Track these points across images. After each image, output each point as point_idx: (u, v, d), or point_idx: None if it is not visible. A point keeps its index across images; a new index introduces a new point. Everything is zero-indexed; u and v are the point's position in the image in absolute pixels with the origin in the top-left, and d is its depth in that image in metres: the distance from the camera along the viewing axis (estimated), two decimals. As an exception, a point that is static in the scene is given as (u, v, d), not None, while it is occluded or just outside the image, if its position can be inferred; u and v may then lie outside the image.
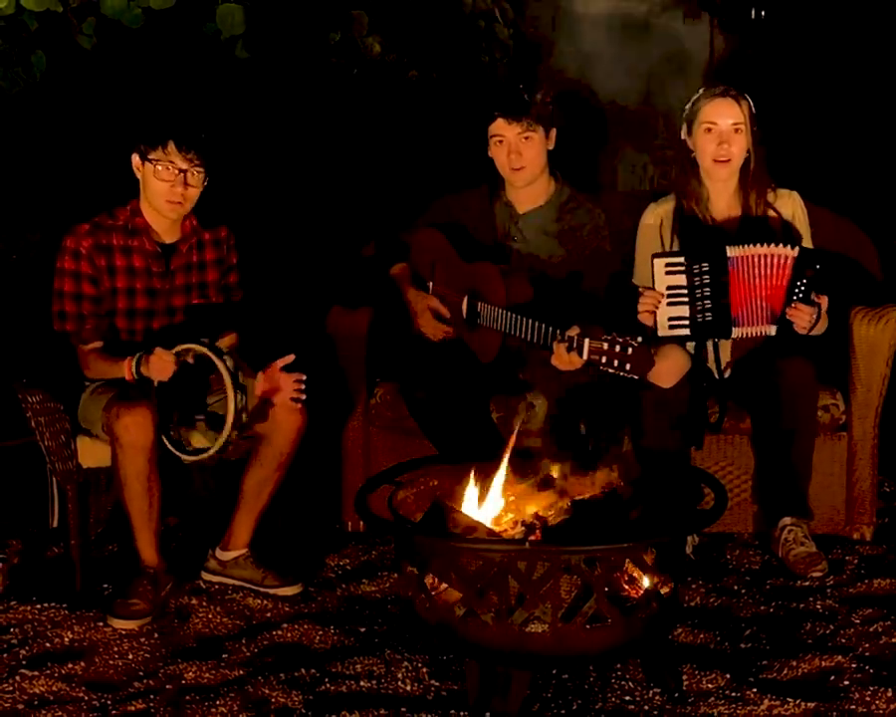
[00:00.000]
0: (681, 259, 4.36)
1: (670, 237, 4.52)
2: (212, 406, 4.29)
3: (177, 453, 4.15)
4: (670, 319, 4.35)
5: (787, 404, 4.32)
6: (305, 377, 4.19)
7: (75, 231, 4.25)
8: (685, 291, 4.34)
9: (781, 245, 4.31)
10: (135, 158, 4.26)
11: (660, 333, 4.34)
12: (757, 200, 4.49)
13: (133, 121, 4.37)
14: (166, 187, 4.21)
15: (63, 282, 4.23)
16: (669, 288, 4.34)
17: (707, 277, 4.33)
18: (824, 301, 4.32)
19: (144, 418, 4.02)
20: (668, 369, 4.31)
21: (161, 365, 4.06)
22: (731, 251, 4.32)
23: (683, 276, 4.35)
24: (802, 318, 4.27)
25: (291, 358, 4.18)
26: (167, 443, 4.13)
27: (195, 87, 5.57)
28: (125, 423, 4.01)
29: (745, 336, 4.38)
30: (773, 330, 4.33)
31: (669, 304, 4.34)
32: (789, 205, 4.54)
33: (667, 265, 4.36)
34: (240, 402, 4.04)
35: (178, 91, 5.51)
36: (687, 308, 4.35)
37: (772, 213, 4.50)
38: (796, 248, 4.31)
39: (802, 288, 4.28)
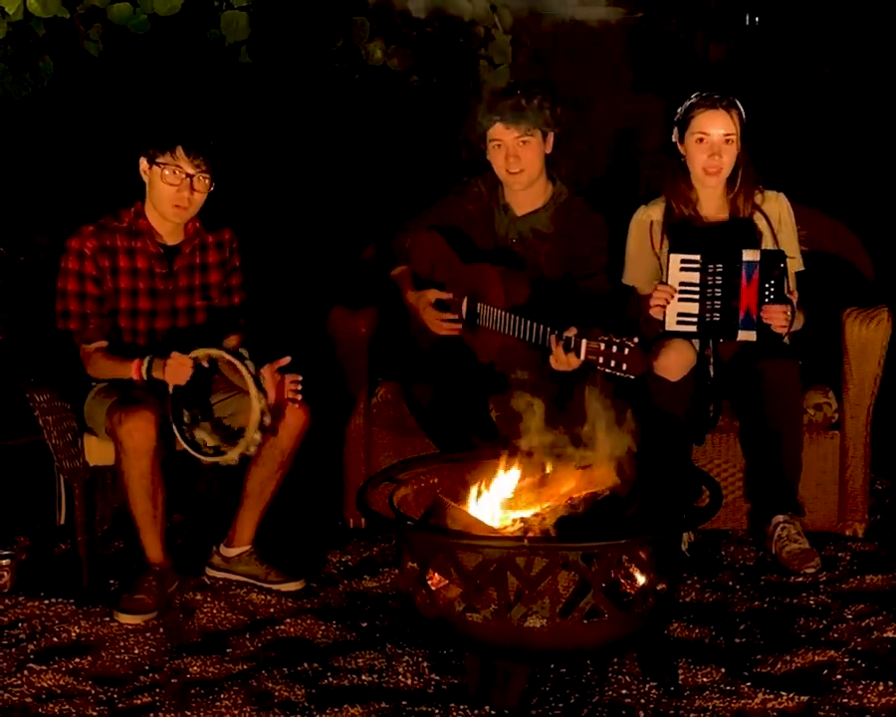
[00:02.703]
0: (697, 257, 4.40)
1: (661, 237, 4.57)
2: (215, 406, 4.33)
3: (197, 455, 4.17)
4: (679, 314, 4.39)
5: (772, 405, 4.36)
6: (301, 379, 4.22)
7: (79, 232, 4.28)
8: (697, 289, 4.38)
9: (746, 249, 4.37)
10: (143, 162, 4.29)
11: (667, 327, 4.39)
12: (745, 202, 4.54)
13: (142, 126, 4.41)
14: (172, 191, 4.25)
15: (67, 281, 4.27)
16: (682, 284, 4.39)
17: (720, 278, 4.37)
18: (795, 296, 4.37)
19: (147, 423, 4.05)
20: (676, 363, 4.36)
21: (179, 370, 4.10)
22: (747, 255, 4.37)
23: (697, 274, 4.39)
24: (777, 318, 4.31)
25: (287, 359, 4.20)
26: (186, 446, 4.15)
27: (200, 92, 5.59)
28: (128, 428, 4.04)
29: (741, 339, 4.43)
30: (752, 335, 4.37)
31: (680, 300, 4.38)
32: (776, 207, 4.59)
33: (682, 261, 4.40)
34: (263, 405, 4.07)
35: (183, 95, 5.53)
36: (697, 305, 4.38)
37: (758, 215, 4.56)
38: (757, 251, 4.37)
39: (772, 289, 4.33)
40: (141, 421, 4.04)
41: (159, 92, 5.53)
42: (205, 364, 4.17)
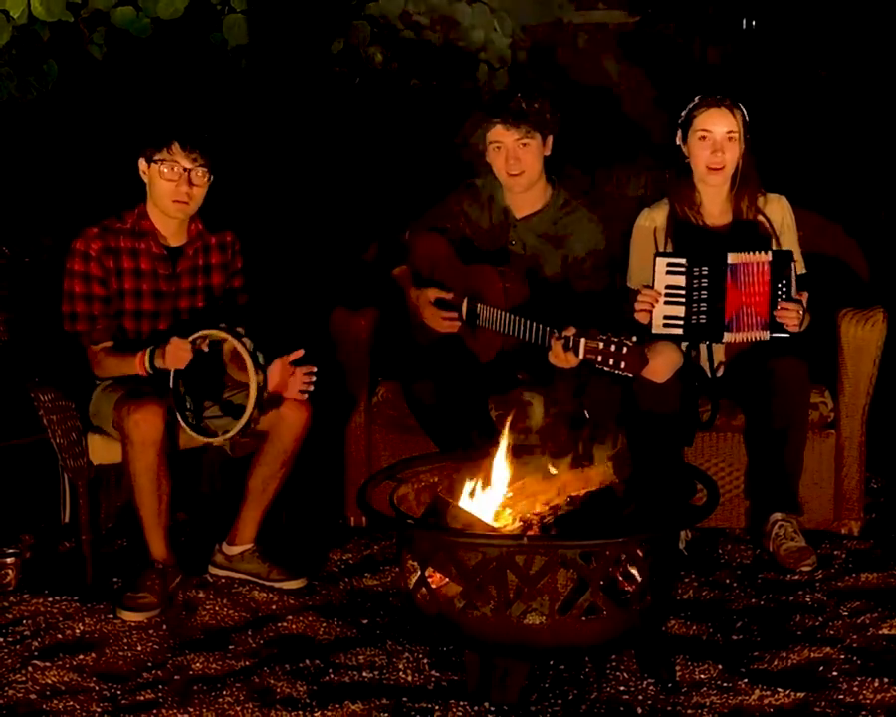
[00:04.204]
0: (683, 260, 4.43)
1: (664, 240, 4.60)
2: (227, 399, 4.35)
3: (199, 437, 4.19)
4: (665, 317, 4.42)
5: (781, 403, 4.39)
6: (315, 370, 4.25)
7: (84, 234, 4.31)
8: (683, 292, 4.41)
9: (755, 252, 4.40)
10: (142, 163, 4.33)
11: (654, 330, 4.41)
12: (748, 205, 4.57)
13: (140, 127, 4.45)
14: (171, 187, 4.28)
15: (73, 283, 4.29)
16: (668, 287, 4.42)
17: (705, 280, 4.40)
18: (805, 296, 4.39)
19: (154, 415, 4.08)
20: (662, 365, 4.37)
21: (178, 353, 4.11)
22: (731, 258, 4.40)
23: (682, 277, 4.42)
24: (791, 316, 4.35)
25: (300, 352, 4.23)
26: (189, 430, 4.17)
27: (202, 94, 5.62)
28: (136, 420, 4.07)
29: (736, 341, 4.45)
30: (766, 335, 4.40)
31: (666, 302, 4.42)
32: (778, 209, 4.61)
33: (668, 265, 4.43)
34: (261, 381, 4.07)
35: (185, 96, 5.56)
36: (683, 308, 4.42)
37: (761, 218, 4.58)
38: (769, 253, 4.40)
39: (784, 288, 4.36)
40: (149, 413, 4.07)
41: (162, 94, 5.56)
42: (205, 348, 4.18)
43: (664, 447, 4.41)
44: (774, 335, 4.40)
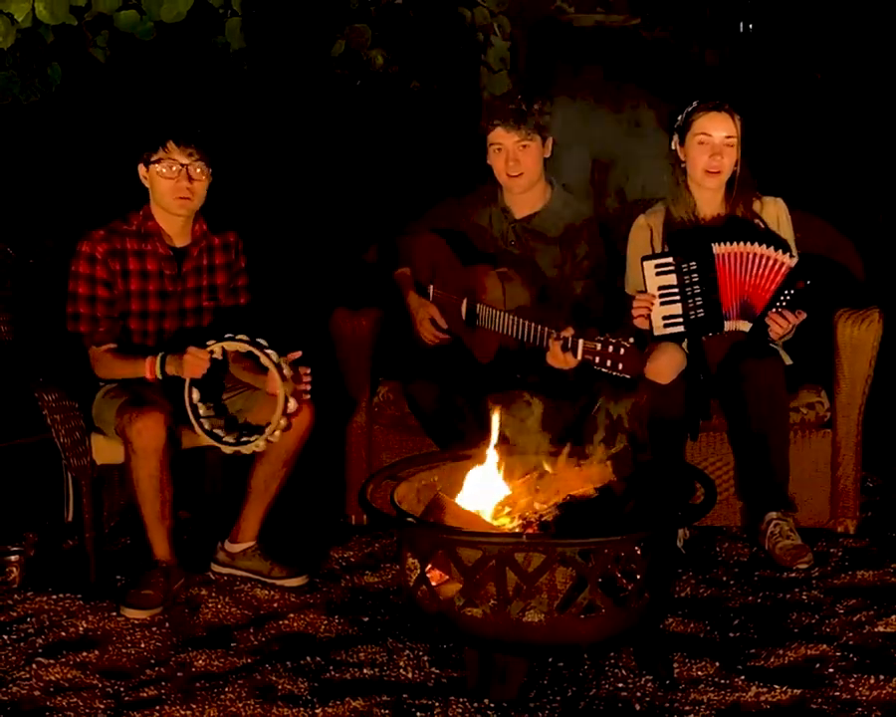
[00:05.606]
0: (670, 259, 4.45)
1: (661, 244, 4.61)
2: (225, 402, 4.38)
3: (219, 445, 4.20)
4: (664, 318, 4.44)
5: (756, 406, 4.40)
6: (310, 370, 4.26)
7: (90, 236, 4.33)
8: (676, 290, 4.43)
9: (779, 250, 4.39)
10: (141, 168, 4.36)
11: (656, 332, 4.43)
12: (743, 210, 4.58)
13: (139, 132, 4.48)
14: (171, 184, 4.30)
15: (77, 285, 4.31)
16: (661, 288, 4.43)
17: (696, 275, 4.42)
18: (802, 317, 4.37)
19: (156, 423, 4.10)
20: (666, 366, 4.39)
21: (196, 363, 4.13)
22: (716, 249, 4.41)
23: (673, 275, 4.44)
24: (781, 325, 4.34)
25: (299, 353, 4.24)
26: (207, 437, 4.18)
27: (205, 96, 5.64)
28: (138, 428, 4.09)
29: (736, 329, 4.47)
30: (746, 326, 4.42)
31: (662, 303, 4.44)
32: (774, 212, 4.62)
33: (657, 266, 4.45)
34: (288, 390, 4.09)
35: (187, 99, 5.58)
36: (679, 306, 4.44)
37: (757, 222, 4.59)
38: (795, 258, 4.40)
39: (789, 297, 4.36)
40: (151, 421, 4.09)
41: (165, 97, 5.58)
42: (219, 357, 4.21)
43: (668, 447, 4.43)
44: (753, 332, 4.41)
